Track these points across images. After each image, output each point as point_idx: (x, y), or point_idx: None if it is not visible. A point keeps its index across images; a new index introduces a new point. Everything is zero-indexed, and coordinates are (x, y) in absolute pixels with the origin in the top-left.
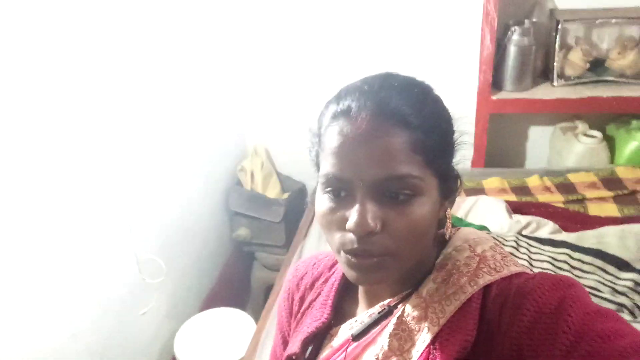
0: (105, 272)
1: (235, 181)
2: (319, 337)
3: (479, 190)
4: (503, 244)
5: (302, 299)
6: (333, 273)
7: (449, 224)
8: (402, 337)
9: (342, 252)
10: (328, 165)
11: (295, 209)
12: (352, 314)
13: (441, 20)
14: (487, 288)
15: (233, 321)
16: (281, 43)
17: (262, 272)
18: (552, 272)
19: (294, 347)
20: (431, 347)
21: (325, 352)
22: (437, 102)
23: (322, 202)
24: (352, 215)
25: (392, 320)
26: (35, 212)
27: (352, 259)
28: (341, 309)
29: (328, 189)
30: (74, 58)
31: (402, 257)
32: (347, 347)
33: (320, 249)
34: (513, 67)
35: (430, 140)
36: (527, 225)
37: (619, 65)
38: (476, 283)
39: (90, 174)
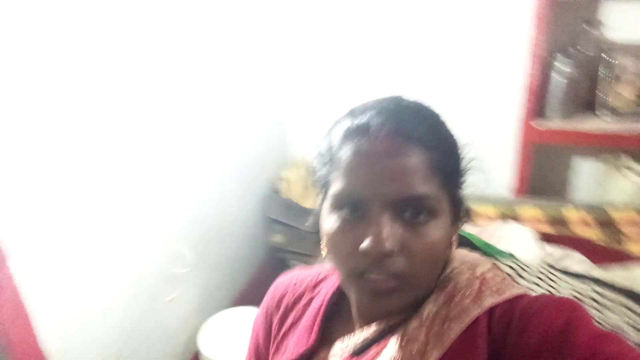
0: (137, 256)
1: (274, 189)
2: None
3: (513, 219)
4: (525, 272)
5: (282, 320)
6: (317, 294)
7: (454, 249)
8: None
9: (353, 277)
10: (342, 183)
11: None
12: (341, 336)
13: (487, 48)
14: (490, 310)
15: None
16: (328, 59)
17: None
18: None
19: None
20: None
21: None
22: (447, 126)
23: (332, 222)
24: (369, 235)
25: (391, 343)
26: (76, 194)
27: (367, 284)
28: (328, 332)
29: (341, 208)
30: (114, 63)
31: (418, 283)
32: None
33: None
34: (558, 97)
35: (446, 162)
36: (557, 256)
37: None
38: (480, 305)
39: (138, 170)
